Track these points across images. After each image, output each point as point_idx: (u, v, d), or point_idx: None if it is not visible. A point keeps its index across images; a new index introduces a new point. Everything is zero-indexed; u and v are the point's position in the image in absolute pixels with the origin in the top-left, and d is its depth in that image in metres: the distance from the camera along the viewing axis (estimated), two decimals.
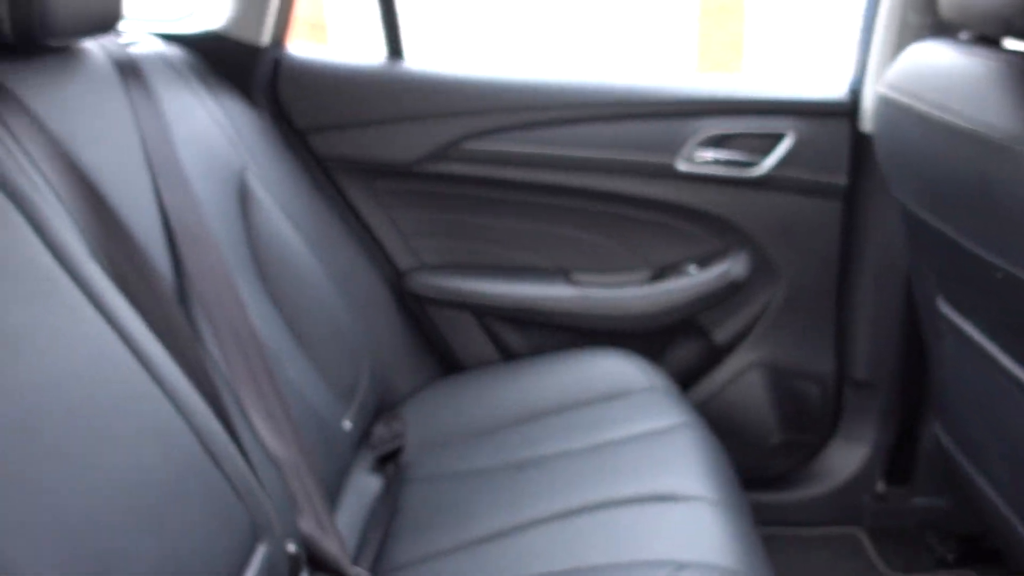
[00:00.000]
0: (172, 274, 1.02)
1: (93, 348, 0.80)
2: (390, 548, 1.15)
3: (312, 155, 1.48)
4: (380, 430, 1.43)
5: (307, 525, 1.02)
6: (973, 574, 1.49)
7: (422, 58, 1.52)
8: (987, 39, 1.02)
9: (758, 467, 1.61)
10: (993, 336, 1.07)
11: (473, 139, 1.45)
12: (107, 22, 1.01)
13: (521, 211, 1.52)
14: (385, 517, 1.22)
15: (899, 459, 1.58)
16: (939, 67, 1.04)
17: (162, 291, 0.94)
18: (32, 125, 0.88)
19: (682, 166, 1.43)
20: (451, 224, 1.54)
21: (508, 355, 1.59)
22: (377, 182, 1.52)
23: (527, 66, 1.52)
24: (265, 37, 1.35)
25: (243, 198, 1.25)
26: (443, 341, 1.59)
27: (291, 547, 0.99)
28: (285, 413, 1.07)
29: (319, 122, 1.46)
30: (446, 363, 1.60)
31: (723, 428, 1.41)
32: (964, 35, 1.06)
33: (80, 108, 0.99)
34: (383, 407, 1.48)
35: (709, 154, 1.43)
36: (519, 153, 1.45)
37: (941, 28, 1.23)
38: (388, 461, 1.38)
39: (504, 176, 1.48)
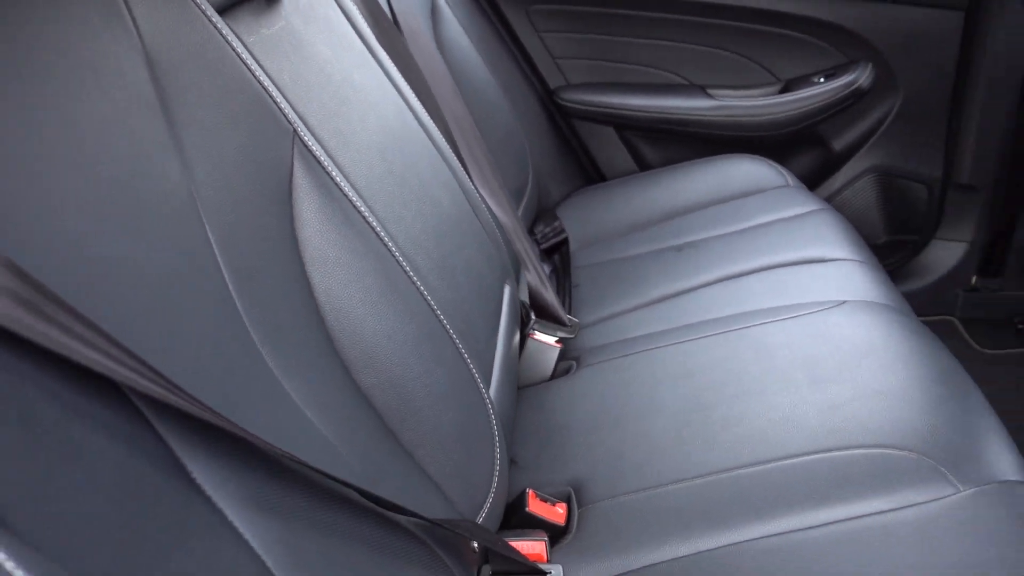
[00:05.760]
0: None
1: (396, 112, 0.99)
2: (577, 311, 1.37)
3: None
4: (541, 228, 1.63)
5: (532, 279, 1.24)
6: None
7: None
8: None
9: None
10: None
11: None
12: None
13: (662, 30, 1.68)
14: (567, 289, 1.43)
15: (992, 255, 1.77)
16: None
17: (420, 77, 1.13)
18: None
19: None
20: (598, 44, 1.70)
21: (644, 167, 1.78)
22: (533, 5, 1.67)
23: None
24: None
25: (433, 12, 1.41)
26: (587, 154, 1.77)
27: (522, 294, 1.21)
28: (501, 188, 1.26)
29: None
30: (590, 173, 1.79)
31: None
32: None
33: None
34: (539, 210, 1.68)
35: None
36: None
37: None
38: (552, 254, 1.59)
39: None
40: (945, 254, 1.77)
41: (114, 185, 0.53)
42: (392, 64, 1.04)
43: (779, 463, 0.88)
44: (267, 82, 0.71)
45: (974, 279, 1.78)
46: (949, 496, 0.80)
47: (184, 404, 0.49)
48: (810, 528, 0.81)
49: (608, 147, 1.76)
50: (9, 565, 0.34)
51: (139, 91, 0.58)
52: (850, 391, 0.96)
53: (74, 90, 0.53)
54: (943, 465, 0.83)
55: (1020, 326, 1.75)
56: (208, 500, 0.51)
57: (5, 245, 0.42)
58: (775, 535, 0.81)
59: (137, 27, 0.60)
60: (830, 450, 0.87)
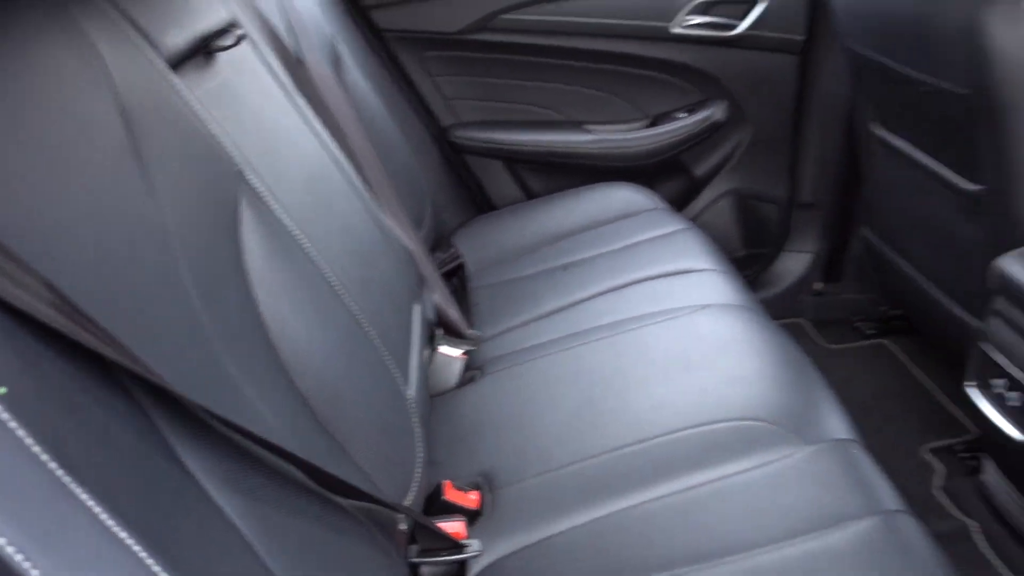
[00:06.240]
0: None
1: (315, 150, 1.11)
2: (478, 327, 1.50)
3: (373, 28, 1.77)
4: (439, 254, 1.77)
5: (437, 298, 1.37)
6: (887, 342, 1.97)
7: None
8: None
9: None
10: (916, 143, 1.48)
11: (508, 11, 1.77)
12: None
13: (544, 73, 1.86)
14: (466, 307, 1.57)
15: (833, 264, 2.03)
16: None
17: (331, 117, 1.25)
18: None
19: (675, 29, 1.80)
20: (486, 87, 1.87)
21: (531, 195, 1.95)
22: (426, 52, 1.82)
23: None
24: None
25: (335, 61, 1.54)
26: (479, 185, 1.93)
27: (428, 312, 1.34)
28: (404, 216, 1.39)
29: None
30: (481, 203, 1.95)
31: None
32: None
33: None
34: (437, 238, 1.82)
35: (697, 19, 1.79)
36: (545, 21, 1.78)
37: None
38: (451, 277, 1.73)
39: (531, 43, 1.81)
40: (793, 264, 2.03)
41: (110, 223, 0.64)
42: (307, 107, 1.17)
43: (659, 439, 1.04)
44: (216, 130, 0.83)
45: (819, 285, 2.04)
46: (795, 454, 0.98)
47: (180, 396, 0.60)
48: (687, 490, 0.97)
49: (498, 179, 1.93)
50: (103, 516, 0.45)
51: (117, 140, 0.69)
52: (715, 377, 1.14)
53: (68, 138, 0.63)
54: (789, 430, 1.01)
55: (857, 324, 2.02)
56: (197, 481, 0.62)
57: (44, 268, 0.53)
58: (659, 498, 0.97)
59: (114, 84, 0.70)
60: (700, 425, 1.04)
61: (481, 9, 1.77)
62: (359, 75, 1.59)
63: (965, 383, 1.36)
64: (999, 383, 1.27)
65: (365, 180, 1.27)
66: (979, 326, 1.32)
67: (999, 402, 1.27)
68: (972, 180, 1.32)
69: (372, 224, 1.19)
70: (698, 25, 1.80)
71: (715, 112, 1.87)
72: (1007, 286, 1.23)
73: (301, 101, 1.15)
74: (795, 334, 2.03)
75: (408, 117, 1.79)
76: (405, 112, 1.78)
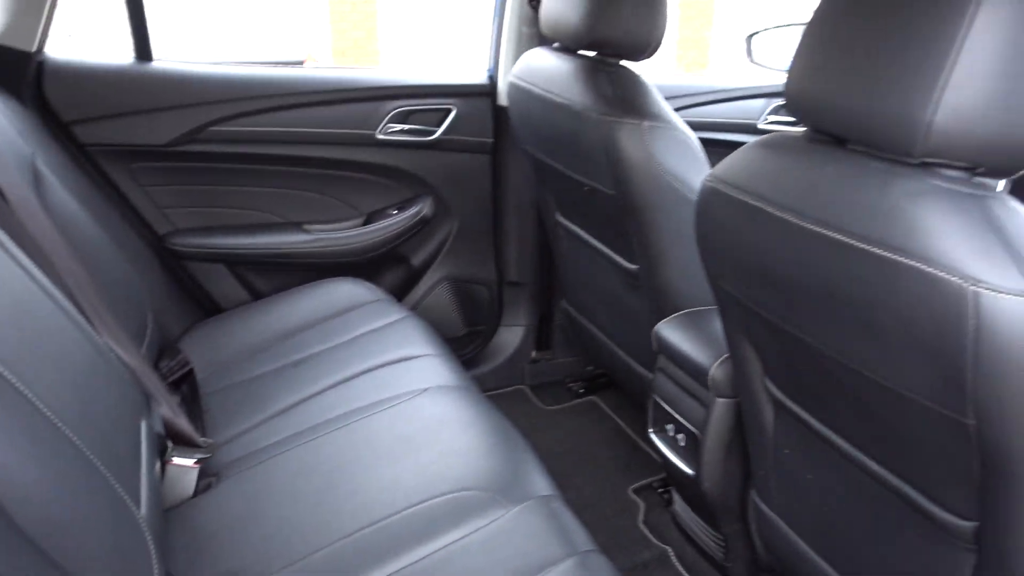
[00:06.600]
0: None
1: (20, 283, 1.11)
2: (211, 432, 1.52)
3: (76, 143, 1.74)
4: (167, 362, 1.75)
5: (165, 412, 1.38)
6: (596, 399, 2.24)
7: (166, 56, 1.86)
8: (568, 48, 1.68)
9: None
10: (588, 231, 1.75)
11: (217, 123, 1.83)
12: None
13: (259, 179, 1.94)
14: (198, 414, 1.58)
15: (543, 334, 2.29)
16: (544, 65, 1.68)
17: (34, 245, 1.24)
18: None
19: (380, 136, 1.97)
20: (201, 193, 1.91)
21: (257, 295, 2.00)
22: (134, 163, 1.82)
23: (255, 62, 1.93)
24: (35, 43, 1.59)
25: (36, 181, 1.51)
26: (202, 289, 1.94)
27: (157, 426, 1.35)
28: (122, 333, 1.39)
29: (81, 114, 1.73)
30: (207, 307, 1.96)
31: None
32: (556, 45, 1.72)
33: None
34: (162, 346, 1.80)
35: (398, 126, 1.98)
36: (255, 132, 1.87)
37: (543, 39, 1.88)
38: (180, 385, 1.72)
39: (244, 151, 1.88)
40: (510, 337, 2.25)
41: None
42: (7, 238, 1.15)
43: (390, 518, 1.15)
44: None
45: (533, 353, 2.28)
46: (503, 516, 1.13)
47: None
48: (417, 561, 1.08)
49: (221, 282, 1.96)
50: None
51: None
52: (434, 455, 1.27)
53: None
54: (498, 495, 1.16)
55: (570, 385, 2.28)
56: None
57: None
58: (394, 572, 1.07)
59: None
60: (423, 501, 1.16)
61: (188, 123, 1.82)
62: (64, 192, 1.57)
63: (648, 429, 1.61)
64: (670, 427, 1.53)
65: (77, 304, 1.27)
66: (652, 380, 1.58)
67: (672, 444, 1.53)
68: (630, 261, 1.60)
69: (89, 348, 1.19)
70: (400, 131, 1.99)
71: (423, 208, 2.06)
72: (664, 347, 1.50)
73: (0, 234, 1.14)
74: (517, 400, 2.26)
75: (121, 229, 1.78)
76: (117, 224, 1.77)
